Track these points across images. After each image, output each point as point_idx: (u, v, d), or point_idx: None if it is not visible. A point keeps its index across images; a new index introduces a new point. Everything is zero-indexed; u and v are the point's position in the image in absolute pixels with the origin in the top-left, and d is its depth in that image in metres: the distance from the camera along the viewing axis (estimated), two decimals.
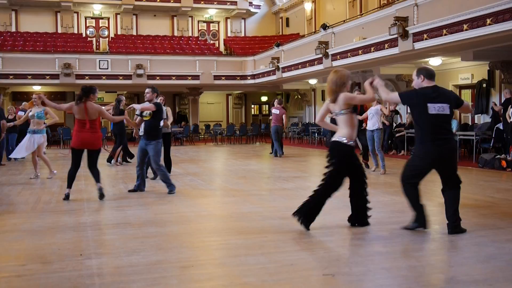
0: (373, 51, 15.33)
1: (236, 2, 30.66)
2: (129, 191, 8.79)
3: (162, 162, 9.08)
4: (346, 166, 5.74)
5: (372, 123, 11.22)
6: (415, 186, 5.51)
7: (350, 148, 5.72)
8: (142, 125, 8.98)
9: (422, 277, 4.18)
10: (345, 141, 5.67)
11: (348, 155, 5.72)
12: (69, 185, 8.10)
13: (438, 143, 5.32)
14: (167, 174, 8.82)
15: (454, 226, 5.46)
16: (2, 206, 7.62)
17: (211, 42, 30.86)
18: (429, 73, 5.51)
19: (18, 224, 6.31)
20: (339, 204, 7.29)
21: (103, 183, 8.27)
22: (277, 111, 16.00)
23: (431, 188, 9.24)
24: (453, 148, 5.55)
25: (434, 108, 5.31)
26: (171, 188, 8.60)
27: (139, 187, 8.80)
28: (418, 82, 5.53)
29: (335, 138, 5.78)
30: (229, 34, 31.85)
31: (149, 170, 10.08)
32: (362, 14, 19.77)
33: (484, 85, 15.81)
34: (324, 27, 18.39)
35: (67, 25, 29.05)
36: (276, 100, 16.51)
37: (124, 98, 14.57)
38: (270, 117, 16.85)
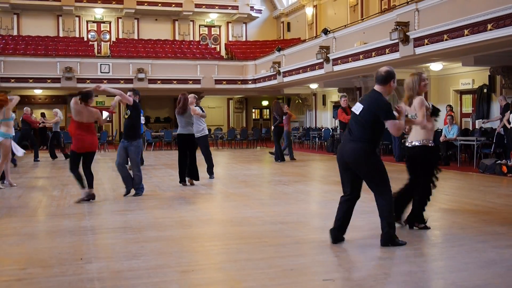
0: (374, 56, 15.34)
1: (237, 6, 30.74)
2: (125, 195, 8.70)
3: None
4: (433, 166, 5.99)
5: None
6: None
7: (434, 149, 5.99)
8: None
9: (423, 283, 4.17)
10: (430, 144, 5.92)
11: (435, 156, 6.02)
12: (85, 185, 8.14)
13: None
14: (141, 177, 8.86)
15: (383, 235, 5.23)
16: (2, 209, 7.62)
17: (212, 46, 30.90)
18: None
19: (19, 228, 6.31)
20: None
21: (104, 187, 8.29)
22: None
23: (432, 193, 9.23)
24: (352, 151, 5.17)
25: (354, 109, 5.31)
26: (139, 190, 8.76)
27: (131, 188, 8.77)
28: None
29: (415, 143, 5.94)
30: (230, 39, 31.91)
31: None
32: (363, 19, 19.79)
33: (485, 90, 15.81)
34: (325, 31, 18.42)
35: (69, 29, 29.12)
36: (285, 105, 16.51)
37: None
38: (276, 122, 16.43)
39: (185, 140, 10.22)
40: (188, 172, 10.22)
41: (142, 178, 8.86)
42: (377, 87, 5.29)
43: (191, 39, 30.88)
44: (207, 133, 11.32)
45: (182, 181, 10.23)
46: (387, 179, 5.20)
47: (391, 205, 5.21)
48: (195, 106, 10.80)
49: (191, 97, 10.61)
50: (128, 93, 8.90)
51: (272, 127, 16.74)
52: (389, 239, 5.17)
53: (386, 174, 5.21)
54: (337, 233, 5.33)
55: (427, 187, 5.96)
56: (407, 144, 6.10)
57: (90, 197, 8.14)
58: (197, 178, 10.30)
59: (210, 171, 11.32)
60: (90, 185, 8.16)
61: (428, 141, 5.92)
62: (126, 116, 8.75)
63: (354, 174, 5.21)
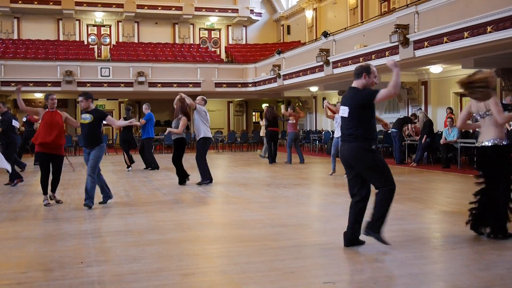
0: (374, 59, 15.35)
1: (237, 9, 30.79)
2: (100, 203, 8.21)
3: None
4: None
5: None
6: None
7: (507, 148, 5.62)
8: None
9: (424, 285, 4.17)
10: (504, 142, 5.59)
11: (509, 156, 5.63)
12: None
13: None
14: (95, 185, 8.01)
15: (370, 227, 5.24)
16: (3, 213, 7.62)
17: (213, 49, 30.96)
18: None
19: (19, 231, 6.31)
20: (340, 211, 7.30)
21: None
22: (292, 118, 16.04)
23: (433, 195, 9.24)
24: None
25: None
26: (88, 202, 7.88)
27: (108, 195, 8.29)
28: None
29: (485, 143, 5.64)
30: (230, 42, 31.95)
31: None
32: (363, 21, 19.83)
33: None
34: (325, 34, 18.45)
35: (69, 33, 29.18)
36: (289, 106, 16.50)
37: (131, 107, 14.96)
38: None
39: (175, 143, 10.93)
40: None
41: (94, 187, 7.95)
42: (353, 83, 5.34)
43: (191, 42, 30.93)
44: (201, 136, 10.66)
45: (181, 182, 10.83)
46: (388, 174, 5.15)
47: (390, 199, 5.14)
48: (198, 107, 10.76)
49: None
50: (80, 99, 8.08)
51: (262, 131, 17.83)
52: (372, 229, 5.15)
53: (387, 168, 5.18)
54: (351, 236, 5.29)
55: (508, 192, 5.56)
56: (476, 144, 5.82)
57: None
58: (179, 182, 10.83)
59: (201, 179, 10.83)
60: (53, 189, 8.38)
61: (501, 140, 5.59)
62: (87, 122, 7.97)
63: (359, 173, 5.23)
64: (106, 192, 8.25)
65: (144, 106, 14.71)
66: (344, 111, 5.24)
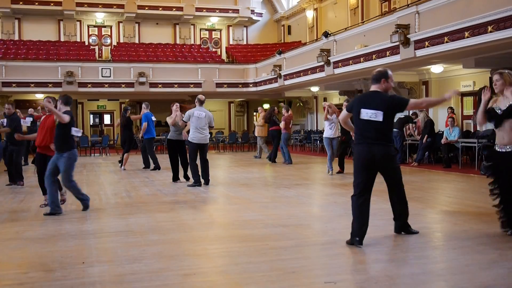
0: (374, 59, 15.35)
1: (238, 10, 30.79)
2: (43, 208, 7.89)
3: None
4: None
5: (334, 131, 12.74)
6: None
7: None
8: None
9: (425, 285, 4.17)
10: None
11: None
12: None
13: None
14: (79, 189, 7.78)
15: (404, 226, 5.79)
16: (4, 214, 7.63)
17: (213, 50, 30.95)
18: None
19: (21, 232, 6.32)
20: (341, 211, 7.31)
21: (106, 191, 8.29)
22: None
23: (434, 195, 9.24)
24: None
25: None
26: (85, 203, 7.80)
27: (54, 205, 7.57)
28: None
29: (509, 147, 5.52)
30: (231, 42, 31.95)
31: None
32: (364, 21, 19.81)
33: None
34: (326, 34, 18.44)
35: (70, 33, 29.20)
36: (284, 107, 16.82)
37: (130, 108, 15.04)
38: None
39: (171, 144, 11.77)
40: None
41: (77, 190, 7.73)
42: (374, 87, 5.55)
43: (192, 42, 30.93)
44: (192, 139, 10.61)
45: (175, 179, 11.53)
46: None
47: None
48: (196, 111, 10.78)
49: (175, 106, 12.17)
50: (59, 107, 7.84)
51: (257, 131, 18.39)
52: (406, 227, 5.73)
53: None
54: (363, 236, 5.39)
55: None
56: (497, 149, 5.68)
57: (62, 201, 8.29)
58: (173, 179, 11.54)
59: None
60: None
61: None
62: (56, 123, 7.67)
63: (374, 175, 5.44)
64: (52, 201, 7.56)
65: (143, 106, 14.81)
66: (375, 114, 5.34)
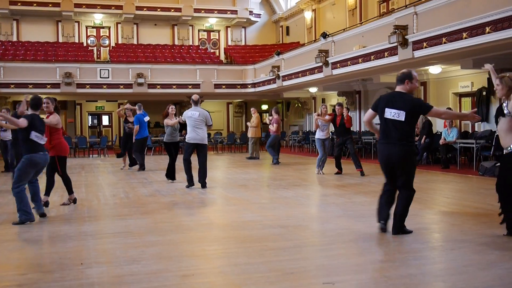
0: (373, 60, 15.36)
1: (236, 11, 30.79)
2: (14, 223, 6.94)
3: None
4: None
5: (326, 132, 13.07)
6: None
7: None
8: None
9: (423, 285, 4.18)
10: None
11: None
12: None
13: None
14: (24, 200, 6.94)
15: (398, 227, 5.77)
16: (2, 215, 7.62)
17: (212, 50, 30.95)
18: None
19: (19, 233, 6.32)
20: (339, 212, 7.31)
21: (104, 192, 8.29)
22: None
23: (432, 196, 9.25)
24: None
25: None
26: (22, 218, 6.84)
27: (24, 214, 6.93)
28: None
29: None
30: (229, 43, 31.95)
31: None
32: (362, 22, 19.83)
33: (484, 93, 15.83)
34: (324, 35, 18.45)
35: (68, 35, 29.18)
36: (273, 110, 17.20)
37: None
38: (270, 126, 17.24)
39: (168, 147, 12.19)
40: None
41: (24, 202, 6.93)
42: (398, 88, 5.78)
43: (190, 43, 30.93)
44: (188, 139, 10.60)
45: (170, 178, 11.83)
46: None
47: (411, 200, 5.75)
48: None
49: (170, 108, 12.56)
50: (21, 110, 7.83)
51: (250, 132, 18.85)
52: (400, 228, 5.73)
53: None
54: (387, 219, 5.76)
55: None
56: (505, 151, 5.65)
57: (73, 201, 8.41)
58: (170, 178, 11.83)
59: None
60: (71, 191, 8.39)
61: None
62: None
63: (394, 171, 5.70)
64: (22, 210, 6.92)
65: (135, 107, 14.84)
66: (398, 114, 5.54)
